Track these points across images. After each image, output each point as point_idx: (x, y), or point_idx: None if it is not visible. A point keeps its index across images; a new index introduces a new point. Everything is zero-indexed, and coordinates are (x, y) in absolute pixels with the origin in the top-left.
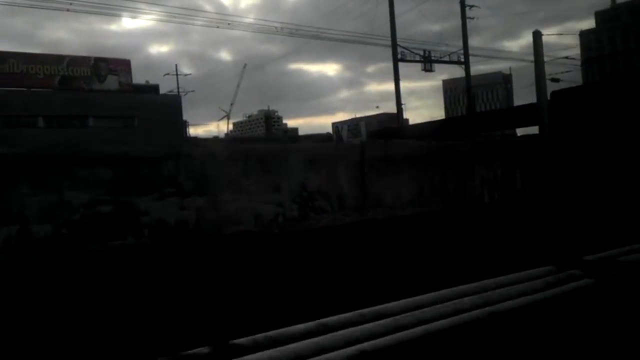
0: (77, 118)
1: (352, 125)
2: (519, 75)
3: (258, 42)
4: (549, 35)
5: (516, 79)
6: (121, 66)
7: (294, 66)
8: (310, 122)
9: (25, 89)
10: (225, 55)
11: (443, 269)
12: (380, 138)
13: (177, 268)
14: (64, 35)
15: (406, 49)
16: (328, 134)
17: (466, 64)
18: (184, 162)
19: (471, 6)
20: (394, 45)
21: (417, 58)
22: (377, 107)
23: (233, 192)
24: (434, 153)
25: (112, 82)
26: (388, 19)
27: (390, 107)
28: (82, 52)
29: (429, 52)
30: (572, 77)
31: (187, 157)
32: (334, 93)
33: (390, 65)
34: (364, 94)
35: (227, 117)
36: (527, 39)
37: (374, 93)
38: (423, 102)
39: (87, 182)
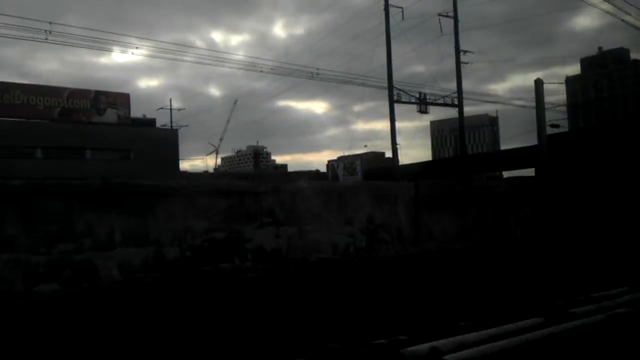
0: (75, 150)
1: (348, 163)
2: (505, 117)
3: (247, 78)
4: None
5: (502, 121)
6: (120, 100)
7: (283, 103)
8: (298, 159)
9: (25, 120)
10: (214, 91)
11: (497, 297)
12: (376, 177)
13: (281, 288)
14: (53, 66)
15: (402, 90)
16: (317, 171)
17: (460, 107)
18: (279, 196)
19: (465, 51)
20: (390, 87)
21: (413, 100)
22: (365, 145)
23: (316, 223)
24: (474, 193)
25: (111, 115)
26: (374, 60)
27: (377, 146)
28: (70, 84)
29: (424, 94)
30: (561, 122)
31: (282, 192)
32: (322, 131)
33: (377, 104)
34: (351, 132)
35: (216, 152)
36: (512, 82)
37: (361, 132)
38: (407, 142)
39: (206, 212)
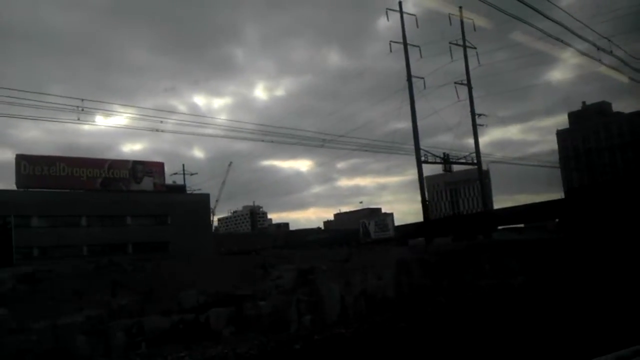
0: (117, 217)
1: (379, 220)
2: (495, 170)
3: (230, 140)
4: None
5: (493, 174)
6: (155, 168)
7: (267, 163)
8: (285, 217)
9: (70, 191)
10: (198, 153)
11: None
12: (407, 233)
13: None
14: (36, 134)
15: (428, 152)
16: (318, 228)
17: (479, 166)
18: None
19: (480, 114)
20: (417, 147)
21: (438, 160)
22: (361, 202)
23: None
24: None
25: (147, 183)
26: (357, 118)
27: (364, 202)
28: (54, 151)
29: (447, 154)
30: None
31: None
32: (306, 189)
33: (360, 161)
34: (336, 189)
35: (213, 213)
36: (489, 136)
37: (345, 188)
38: (396, 197)
39: (379, 275)
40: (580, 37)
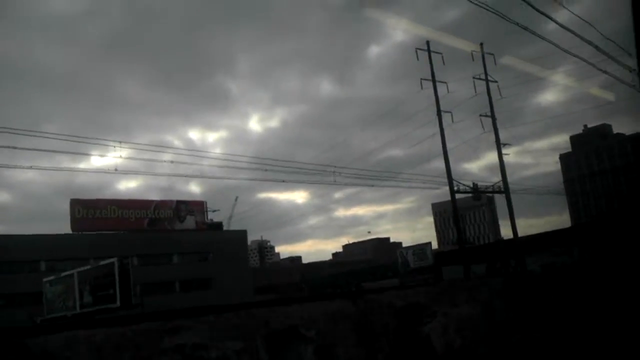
0: (164, 256)
1: (418, 250)
2: (500, 196)
3: (226, 173)
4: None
5: (498, 200)
6: (197, 207)
7: (263, 195)
8: (283, 250)
9: (119, 232)
10: (194, 188)
11: None
12: (445, 260)
13: None
14: (30, 175)
15: (459, 182)
16: (331, 260)
17: (507, 195)
18: None
19: (505, 144)
20: (450, 178)
21: (468, 189)
22: (369, 232)
23: None
24: None
25: (190, 222)
26: (352, 147)
27: (362, 231)
28: (48, 191)
29: (477, 184)
30: (558, 191)
31: None
32: (304, 220)
33: (357, 190)
34: (334, 219)
35: None
36: (486, 159)
37: (343, 219)
38: (394, 225)
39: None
40: (574, 54)
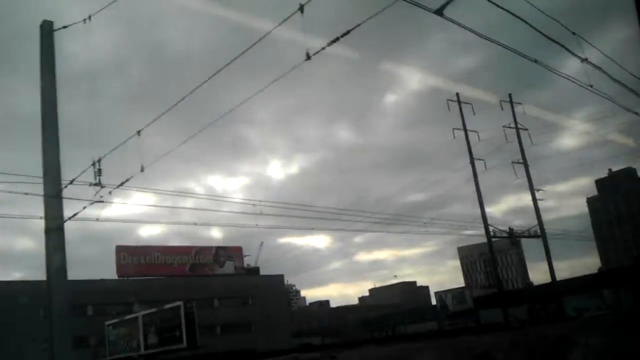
0: (206, 300)
1: (457, 293)
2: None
3: (247, 219)
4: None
5: (525, 244)
6: (235, 252)
7: (284, 240)
8: (312, 294)
9: (164, 277)
10: (216, 234)
11: None
12: (483, 304)
13: None
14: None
15: (495, 227)
16: (359, 305)
17: (544, 240)
18: None
19: (539, 189)
20: (486, 223)
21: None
22: (395, 276)
23: None
24: None
25: (229, 267)
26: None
27: (384, 275)
28: (74, 238)
29: (512, 228)
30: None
31: None
32: (325, 264)
33: (378, 235)
34: (355, 263)
35: None
36: (506, 203)
37: (365, 262)
38: (416, 269)
39: None
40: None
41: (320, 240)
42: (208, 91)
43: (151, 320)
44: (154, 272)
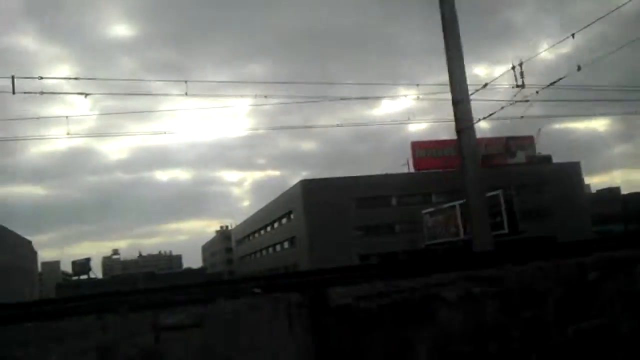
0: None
1: None
2: None
3: (515, 108)
4: None
5: None
6: (527, 142)
7: (559, 126)
8: (594, 181)
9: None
10: (483, 125)
11: None
12: None
13: None
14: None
15: None
16: None
17: None
18: None
19: None
20: None
21: None
22: None
23: None
24: None
25: (520, 156)
26: None
27: None
28: (347, 137)
29: None
30: None
31: None
32: (608, 149)
33: None
34: None
35: None
36: None
37: None
38: None
39: None
40: None
41: (599, 124)
42: None
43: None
44: (445, 165)
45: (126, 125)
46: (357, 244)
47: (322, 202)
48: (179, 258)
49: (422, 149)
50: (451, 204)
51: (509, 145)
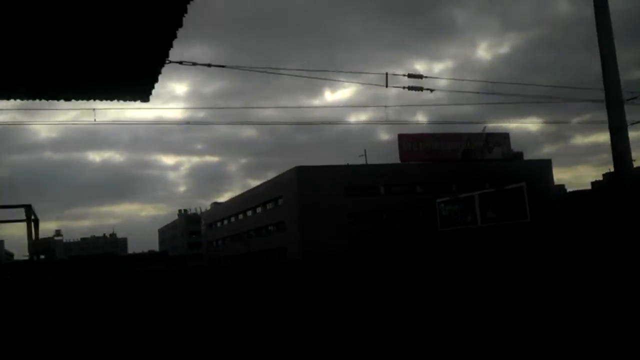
0: (476, 183)
1: None
2: None
3: (455, 101)
4: None
5: None
6: (502, 138)
7: (493, 125)
8: None
9: (438, 162)
10: (421, 118)
11: None
12: None
13: None
14: (270, 112)
15: None
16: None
17: None
18: None
19: None
20: None
21: None
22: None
23: None
24: None
25: (497, 152)
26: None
27: (605, 160)
28: (286, 126)
29: None
30: None
31: None
32: (540, 149)
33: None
34: (570, 147)
35: None
36: None
37: (582, 147)
38: None
39: None
40: None
41: (530, 123)
42: None
43: (488, 199)
44: (430, 157)
45: (57, 103)
46: (349, 230)
47: (315, 189)
48: (124, 241)
49: (408, 141)
50: (468, 194)
51: (488, 140)
